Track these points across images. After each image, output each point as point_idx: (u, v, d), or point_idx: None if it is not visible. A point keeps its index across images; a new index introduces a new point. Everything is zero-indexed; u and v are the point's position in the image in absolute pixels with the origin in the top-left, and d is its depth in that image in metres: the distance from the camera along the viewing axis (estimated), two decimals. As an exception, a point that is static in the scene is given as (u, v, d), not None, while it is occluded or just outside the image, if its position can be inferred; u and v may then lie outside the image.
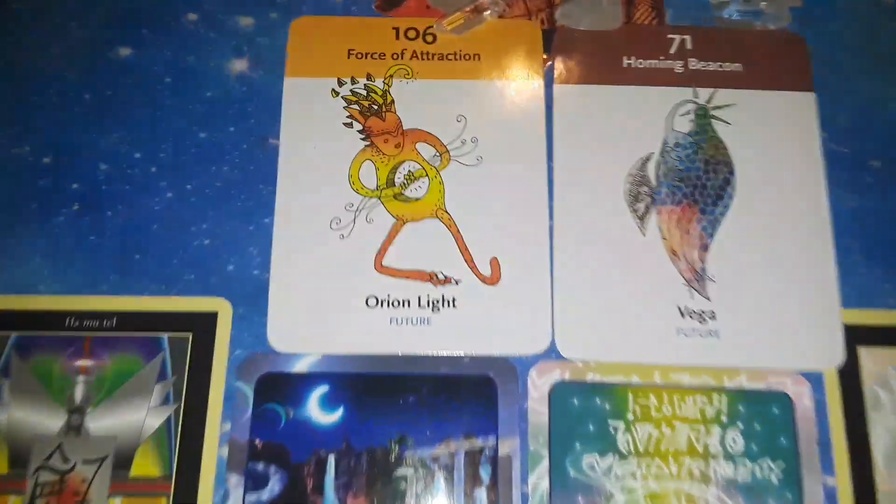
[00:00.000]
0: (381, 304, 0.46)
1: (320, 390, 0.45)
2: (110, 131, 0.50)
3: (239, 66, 0.52)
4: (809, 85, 0.52)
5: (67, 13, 0.53)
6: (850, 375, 0.46)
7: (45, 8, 0.52)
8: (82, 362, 0.45)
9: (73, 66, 0.52)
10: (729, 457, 0.44)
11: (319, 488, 0.43)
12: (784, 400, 0.45)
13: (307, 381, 0.45)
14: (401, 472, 0.43)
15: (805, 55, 0.52)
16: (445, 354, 0.45)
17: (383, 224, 0.48)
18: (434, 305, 0.46)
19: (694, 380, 0.45)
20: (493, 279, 0.47)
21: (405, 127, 0.50)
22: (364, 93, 0.51)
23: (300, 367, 0.46)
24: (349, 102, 0.51)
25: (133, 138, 0.50)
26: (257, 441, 0.44)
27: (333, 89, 0.51)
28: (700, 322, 0.46)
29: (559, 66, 0.52)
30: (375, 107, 0.50)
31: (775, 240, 0.48)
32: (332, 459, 0.44)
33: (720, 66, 0.52)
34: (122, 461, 0.44)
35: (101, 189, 0.49)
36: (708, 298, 0.47)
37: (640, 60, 0.52)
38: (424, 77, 0.51)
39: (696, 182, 0.49)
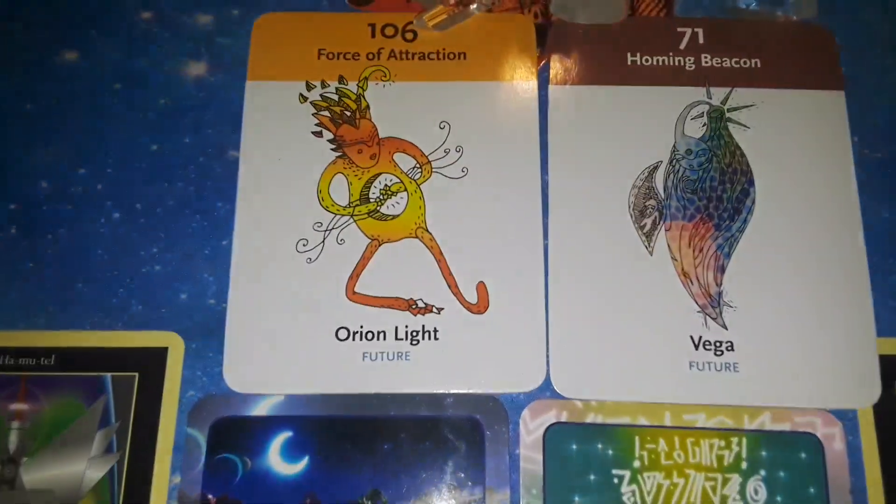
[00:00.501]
0: (354, 337, 0.44)
1: (283, 437, 0.43)
2: (51, 144, 0.48)
3: (196, 69, 0.50)
4: (838, 83, 0.49)
5: (5, 13, 0.51)
6: (887, 414, 0.43)
7: (-21, 7, 0.51)
8: (16, 406, 0.43)
9: (12, 72, 0.50)
10: (750, 510, 0.42)
11: (281, 551, 0.41)
12: (813, 443, 0.43)
13: (268, 426, 0.43)
14: (374, 533, 0.41)
15: (833, 49, 0.50)
16: (426, 393, 0.43)
17: (356, 245, 0.46)
18: (413, 337, 0.44)
19: (709, 421, 0.43)
20: (479, 307, 0.45)
21: (381, 135, 0.48)
22: (335, 97, 0.48)
23: (260, 410, 0.43)
24: (319, 108, 0.48)
25: (77, 152, 0.48)
26: (210, 496, 0.42)
27: (301, 94, 0.49)
28: (716, 354, 0.44)
29: (555, 64, 0.50)
30: (348, 113, 0.48)
31: (801, 259, 0.45)
32: (295, 517, 0.41)
33: (737, 62, 0.50)
34: (60, 518, 0.41)
35: (40, 209, 0.47)
36: (725, 327, 0.44)
37: (647, 57, 0.50)
38: (403, 79, 0.49)
39: (710, 194, 0.47)
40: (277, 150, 0.48)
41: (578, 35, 0.51)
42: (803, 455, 0.42)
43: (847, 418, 0.43)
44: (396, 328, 0.44)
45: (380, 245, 0.46)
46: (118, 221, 0.47)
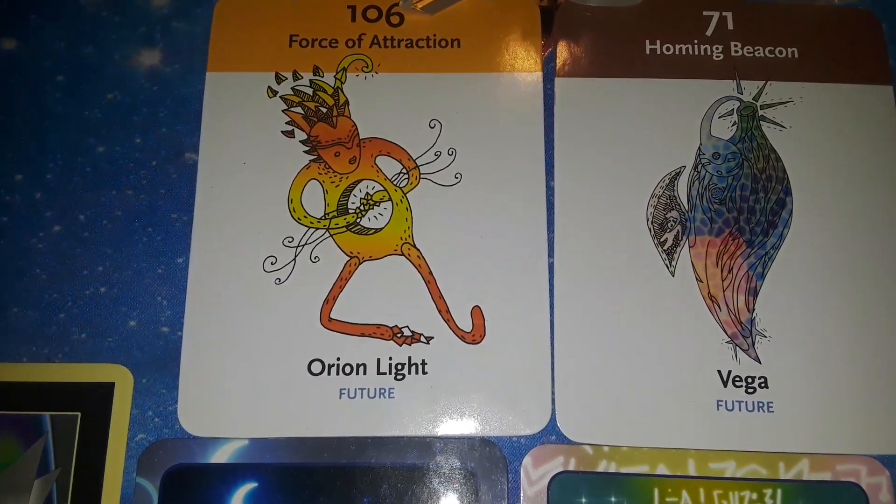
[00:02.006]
0: (329, 371, 0.42)
1: (246, 488, 0.41)
2: (-16, 146, 0.47)
3: (149, 58, 0.49)
4: (887, 76, 0.48)
5: (-69, -4, 0.51)
6: (941, 460, 0.42)
7: None
8: (-59, 450, 0.42)
9: (-62, 63, 0.49)
10: (788, 573, 0.41)
11: None
12: (856, 493, 0.41)
13: (229, 475, 0.41)
14: None
15: (881, 38, 0.49)
16: (412, 437, 0.42)
17: (333, 264, 0.44)
18: (398, 371, 0.42)
19: (740, 470, 0.42)
20: (474, 336, 0.43)
21: (362, 136, 0.47)
22: (310, 91, 0.47)
23: (220, 456, 0.42)
24: (290, 104, 0.47)
25: (13, 155, 0.47)
26: (162, 559, 0.41)
27: (270, 87, 0.47)
28: (747, 392, 0.42)
29: (563, 54, 0.49)
30: (324, 110, 0.47)
31: (845, 282, 0.44)
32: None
33: (771, 51, 0.49)
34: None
35: (-31, 222, 0.46)
36: (758, 360, 0.43)
37: (668, 45, 0.49)
38: (388, 70, 0.48)
39: (741, 205, 0.45)
40: (242, 152, 0.46)
41: (589, 20, 0.50)
42: (846, 508, 0.42)
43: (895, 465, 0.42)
44: (379, 360, 0.43)
45: (360, 263, 0.44)
46: (59, 235, 0.46)
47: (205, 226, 0.45)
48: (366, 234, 0.45)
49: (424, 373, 0.42)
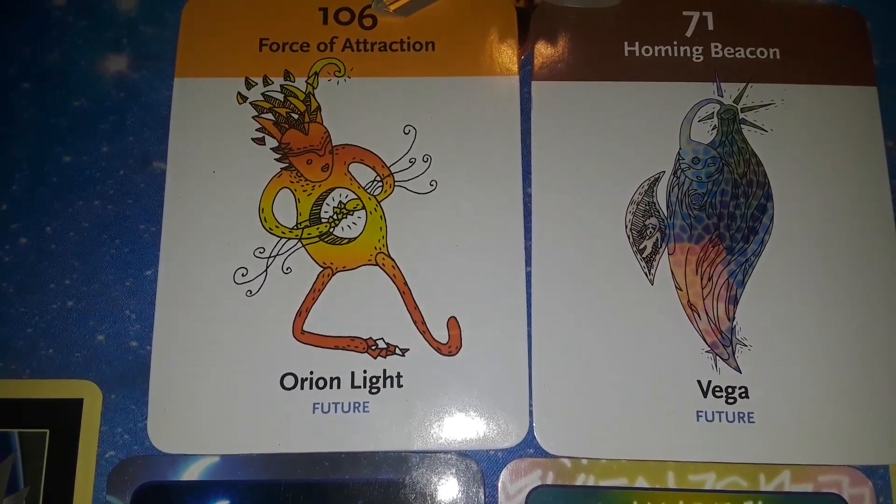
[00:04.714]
0: (302, 385, 0.42)
1: None
2: (-55, 155, 0.47)
3: (115, 64, 0.48)
4: (871, 77, 0.48)
5: None
6: (925, 470, 0.42)
7: None
8: None
9: None
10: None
11: None
12: None
13: (201, 493, 0.41)
14: None
15: (865, 38, 0.49)
16: (387, 451, 0.42)
17: (305, 275, 0.44)
18: (373, 385, 0.42)
19: (720, 482, 0.42)
20: (450, 347, 0.43)
21: (335, 143, 0.46)
22: (280, 97, 0.47)
23: (191, 473, 0.41)
24: (261, 110, 0.46)
25: None
26: (132, 578, 0.40)
27: (240, 93, 0.47)
28: (727, 402, 0.42)
29: (540, 56, 0.48)
30: (296, 116, 0.46)
31: (827, 290, 0.44)
32: None
33: (752, 52, 0.48)
34: None
35: (-68, 234, 0.46)
36: (738, 370, 0.43)
37: (647, 47, 0.48)
38: (361, 74, 0.47)
39: (721, 211, 0.45)
40: (212, 160, 0.46)
41: (567, 21, 0.49)
42: (829, 520, 0.41)
43: (878, 476, 0.42)
44: (353, 374, 0.42)
45: (333, 274, 0.44)
46: (25, 248, 0.45)
47: (173, 237, 0.44)
48: (339, 244, 0.44)
49: (400, 386, 0.42)
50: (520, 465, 0.41)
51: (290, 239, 0.44)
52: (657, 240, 0.44)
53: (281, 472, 0.41)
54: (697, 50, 0.48)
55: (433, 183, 0.45)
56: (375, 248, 0.44)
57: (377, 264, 0.44)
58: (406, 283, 0.43)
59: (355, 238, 0.44)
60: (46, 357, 0.43)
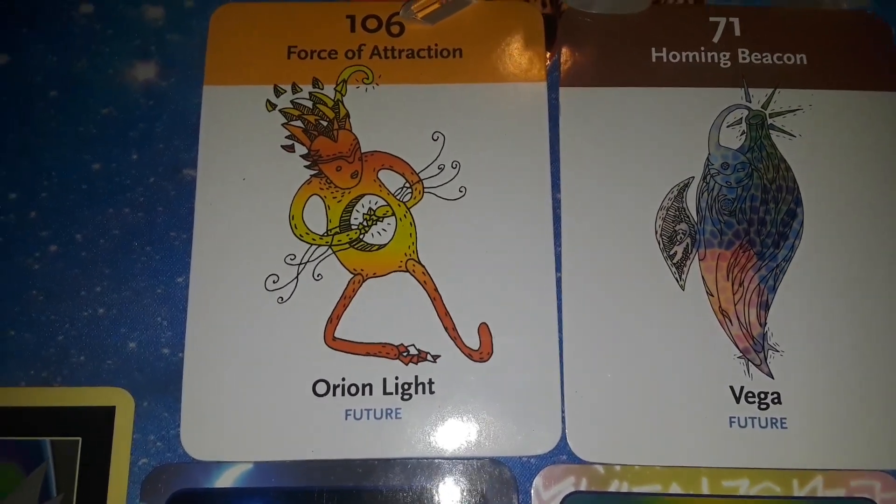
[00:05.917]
0: (334, 392, 0.42)
1: None
2: (-25, 164, 0.47)
3: (144, 72, 0.48)
4: None
5: (-81, 9, 0.50)
6: (958, 474, 0.42)
7: None
8: (-59, 477, 0.41)
9: (-72, 78, 0.48)
10: None
11: None
12: None
13: (234, 500, 0.41)
14: None
15: (890, 43, 0.49)
16: (419, 458, 0.41)
17: (336, 281, 0.44)
18: (404, 391, 0.42)
19: (753, 487, 0.42)
20: (482, 353, 0.43)
21: (364, 149, 0.46)
22: (309, 104, 0.46)
23: (224, 481, 0.41)
24: (290, 118, 0.46)
25: (6, 173, 0.46)
26: (166, 586, 0.40)
27: (269, 100, 0.47)
28: (760, 408, 0.42)
29: (567, 62, 0.48)
30: (324, 123, 0.46)
31: (858, 294, 0.44)
32: None
33: (780, 58, 0.48)
34: None
35: (-37, 242, 0.46)
36: (770, 375, 0.42)
37: (674, 53, 0.48)
38: (389, 81, 0.47)
39: (751, 216, 0.45)
40: (241, 167, 0.46)
41: (594, 27, 0.49)
42: (861, 525, 0.41)
43: (912, 481, 0.42)
44: (385, 380, 0.42)
45: (364, 281, 0.44)
46: (55, 255, 0.45)
47: (204, 244, 0.44)
48: (369, 251, 0.44)
49: (431, 392, 0.42)
50: (553, 471, 0.41)
51: (320, 245, 0.44)
52: (687, 245, 0.44)
53: (314, 479, 0.41)
54: (725, 56, 0.48)
55: (462, 189, 0.45)
56: (405, 255, 0.44)
57: (407, 270, 0.44)
58: (436, 290, 0.43)
59: (385, 244, 0.44)
60: (78, 364, 0.43)
